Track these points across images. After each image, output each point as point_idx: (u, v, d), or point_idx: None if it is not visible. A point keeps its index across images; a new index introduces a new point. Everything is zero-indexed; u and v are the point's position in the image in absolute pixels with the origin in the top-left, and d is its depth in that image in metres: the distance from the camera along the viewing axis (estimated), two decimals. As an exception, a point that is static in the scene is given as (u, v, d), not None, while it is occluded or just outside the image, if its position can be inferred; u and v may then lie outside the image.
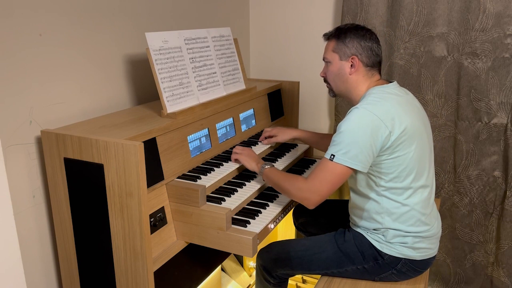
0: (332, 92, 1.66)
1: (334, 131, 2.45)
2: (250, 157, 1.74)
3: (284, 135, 2.00)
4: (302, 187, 1.51)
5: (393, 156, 1.47)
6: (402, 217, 1.53)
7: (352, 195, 1.63)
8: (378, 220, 1.56)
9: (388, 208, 1.54)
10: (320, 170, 1.48)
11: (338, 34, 1.57)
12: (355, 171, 1.48)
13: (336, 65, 1.58)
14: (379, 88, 1.53)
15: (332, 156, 1.45)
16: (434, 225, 1.60)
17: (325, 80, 1.66)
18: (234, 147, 1.93)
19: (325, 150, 1.98)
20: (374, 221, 1.57)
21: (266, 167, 1.66)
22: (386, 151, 1.46)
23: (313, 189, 1.48)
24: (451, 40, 2.10)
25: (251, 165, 1.72)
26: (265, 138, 2.02)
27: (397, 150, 1.46)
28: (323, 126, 2.63)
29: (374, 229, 1.58)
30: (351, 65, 1.55)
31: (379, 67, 1.59)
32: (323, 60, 1.64)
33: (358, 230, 1.63)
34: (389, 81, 1.59)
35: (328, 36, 1.62)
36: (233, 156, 1.77)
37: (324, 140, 1.97)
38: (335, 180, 1.46)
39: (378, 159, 1.48)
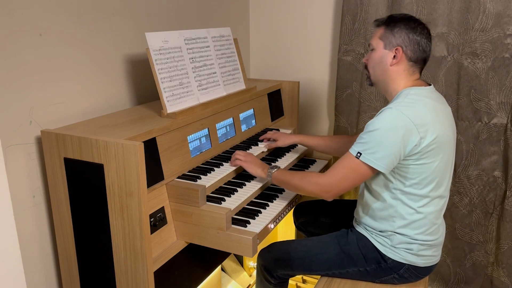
0: (369, 80, 1.60)
1: (335, 132, 2.47)
2: (254, 164, 1.72)
3: (285, 140, 1.99)
4: (319, 181, 1.50)
5: (418, 163, 1.43)
6: (414, 224, 1.51)
7: (366, 193, 1.60)
8: (388, 223, 1.54)
9: (401, 213, 1.51)
10: (343, 167, 1.45)
11: (388, 22, 1.51)
12: (376, 171, 1.45)
13: (379, 52, 1.52)
14: (416, 89, 1.47)
15: (358, 154, 1.42)
16: (441, 234, 1.59)
17: (366, 67, 1.59)
18: (234, 147, 1.93)
19: (328, 152, 1.98)
20: (384, 222, 1.55)
21: (274, 171, 1.65)
22: (413, 156, 1.42)
23: (332, 183, 1.47)
24: (451, 40, 2.10)
25: (257, 172, 1.70)
26: (267, 139, 2.02)
27: (424, 157, 1.43)
28: (323, 126, 2.63)
29: (380, 231, 1.57)
30: (394, 56, 1.49)
31: (423, 65, 1.53)
32: (368, 45, 1.57)
33: (362, 231, 1.62)
34: (427, 83, 1.54)
35: (378, 23, 1.55)
36: (235, 162, 1.75)
37: (327, 142, 1.95)
38: (357, 178, 1.45)
39: (403, 163, 1.44)
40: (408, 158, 1.43)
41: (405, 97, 1.44)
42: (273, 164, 1.72)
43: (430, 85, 1.53)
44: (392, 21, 1.50)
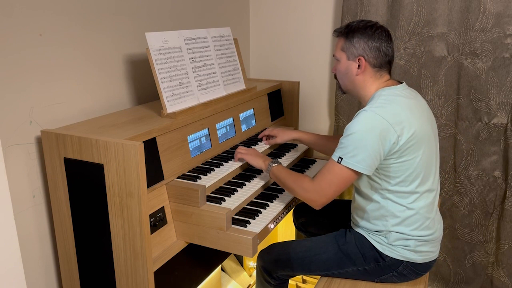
0: (340, 89, 1.64)
1: (335, 132, 2.47)
2: (256, 156, 1.75)
3: (284, 136, 2.00)
4: (308, 188, 1.52)
5: (400, 160, 1.45)
6: (407, 220, 1.52)
7: (356, 195, 1.62)
8: (382, 222, 1.55)
9: (392, 212, 1.52)
10: (327, 172, 1.48)
11: (347, 33, 1.53)
12: (359, 174, 1.47)
13: (343, 64, 1.55)
14: (388, 89, 1.50)
15: (339, 159, 1.44)
16: (437, 229, 1.59)
17: (335, 77, 1.63)
18: (234, 147, 1.93)
19: (324, 152, 1.99)
20: (377, 223, 1.56)
21: (274, 165, 1.67)
22: (393, 155, 1.44)
23: (319, 191, 1.49)
24: (451, 40, 2.10)
25: (258, 163, 1.73)
26: (265, 137, 2.03)
27: (404, 154, 1.44)
28: (323, 126, 2.63)
29: (376, 231, 1.57)
30: (358, 66, 1.52)
31: (389, 67, 1.55)
32: (333, 56, 1.61)
33: (360, 231, 1.63)
34: (398, 81, 1.57)
35: (338, 33, 1.58)
36: (238, 156, 1.78)
37: (324, 142, 1.96)
38: (341, 183, 1.46)
39: (385, 163, 1.46)
40: (389, 158, 1.45)
41: (378, 98, 1.47)
42: (276, 159, 1.73)
43: (402, 83, 1.55)
44: (350, 31, 1.52)
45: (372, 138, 1.40)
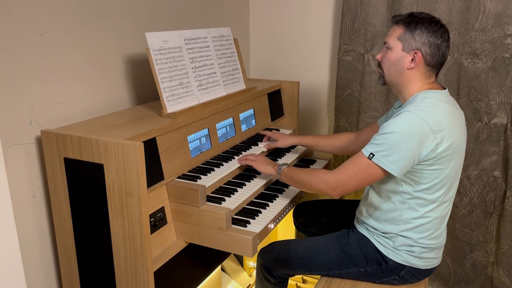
0: (383, 79, 1.54)
1: (335, 132, 2.47)
2: (265, 162, 1.74)
3: (284, 141, 1.98)
4: (327, 179, 1.48)
5: (432, 168, 1.41)
6: (418, 228, 1.51)
7: (371, 192, 1.59)
8: (392, 225, 1.53)
9: (407, 218, 1.50)
10: (352, 165, 1.44)
11: (408, 22, 1.43)
12: (387, 173, 1.42)
13: (396, 54, 1.46)
14: (433, 93, 1.44)
15: (371, 155, 1.39)
16: (443, 238, 1.59)
17: (379, 65, 1.54)
18: (234, 147, 1.93)
19: (328, 151, 1.97)
20: (387, 224, 1.54)
21: (283, 167, 1.67)
22: (427, 161, 1.40)
23: (340, 181, 1.45)
24: (451, 40, 2.10)
25: (267, 169, 1.72)
26: (267, 138, 2.02)
27: (438, 162, 1.41)
28: (323, 126, 2.63)
29: (383, 233, 1.56)
30: (412, 59, 1.43)
31: (440, 68, 1.48)
32: (384, 43, 1.51)
33: (363, 231, 1.62)
34: (442, 86, 1.51)
35: (397, 20, 1.47)
36: (245, 162, 1.76)
37: (326, 140, 1.95)
38: (365, 178, 1.43)
39: (416, 167, 1.42)
40: (422, 163, 1.41)
41: (422, 101, 1.40)
42: (284, 162, 1.73)
43: (445, 88, 1.50)
44: (413, 21, 1.43)
45: (411, 141, 1.35)
